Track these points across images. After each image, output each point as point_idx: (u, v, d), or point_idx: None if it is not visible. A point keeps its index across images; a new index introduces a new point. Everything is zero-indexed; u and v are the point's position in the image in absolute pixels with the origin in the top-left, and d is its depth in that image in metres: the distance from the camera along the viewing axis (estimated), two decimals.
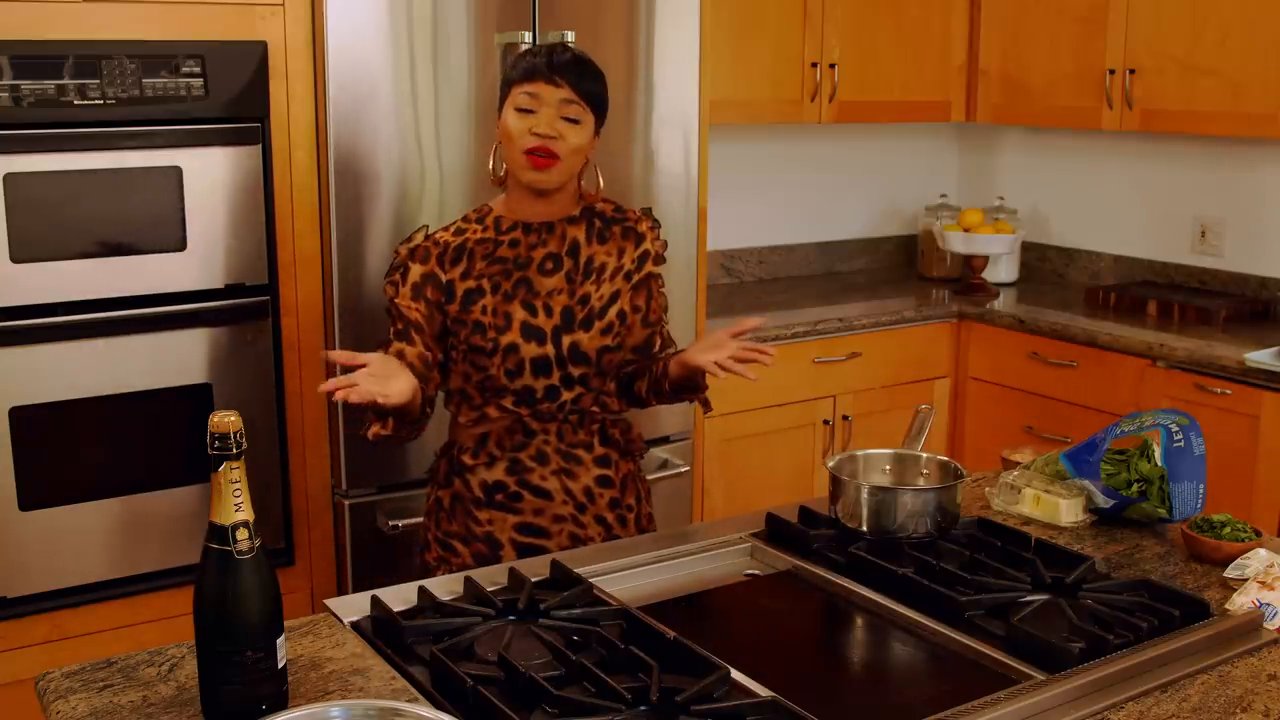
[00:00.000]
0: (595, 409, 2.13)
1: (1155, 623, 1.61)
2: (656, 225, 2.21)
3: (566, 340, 2.06)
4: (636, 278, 2.16)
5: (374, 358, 1.90)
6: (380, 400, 1.83)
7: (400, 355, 2.04)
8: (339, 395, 1.80)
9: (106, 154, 2.53)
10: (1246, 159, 3.84)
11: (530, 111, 2.01)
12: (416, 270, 2.09)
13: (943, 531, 1.88)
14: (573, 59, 2.03)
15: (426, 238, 2.12)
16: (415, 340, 2.06)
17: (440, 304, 2.08)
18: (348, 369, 1.86)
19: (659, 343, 2.20)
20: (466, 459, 2.11)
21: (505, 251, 2.10)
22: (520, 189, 2.09)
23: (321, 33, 2.68)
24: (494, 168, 2.13)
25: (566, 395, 2.09)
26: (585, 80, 2.03)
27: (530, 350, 2.05)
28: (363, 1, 2.70)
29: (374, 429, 2.01)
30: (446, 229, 2.14)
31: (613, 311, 2.11)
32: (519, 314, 2.06)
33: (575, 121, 2.02)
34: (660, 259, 2.20)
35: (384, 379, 1.86)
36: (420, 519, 2.83)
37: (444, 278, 2.08)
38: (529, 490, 2.10)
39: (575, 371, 2.07)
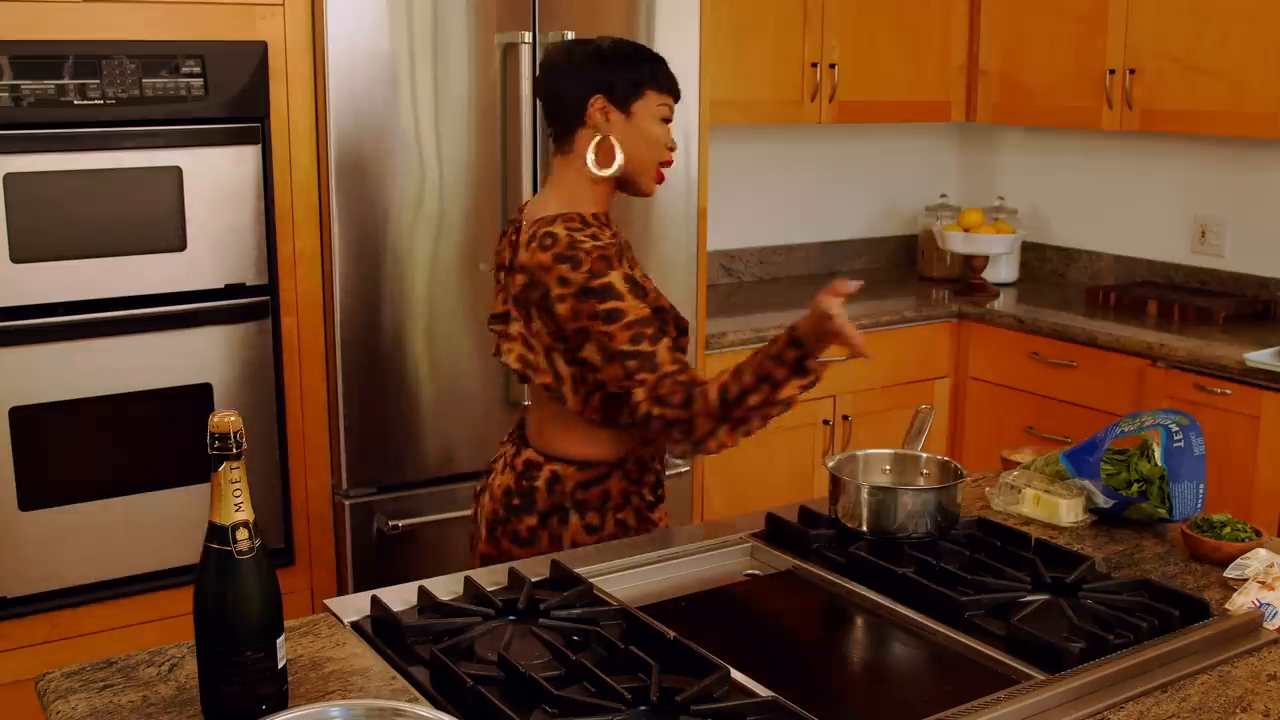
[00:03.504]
0: None
1: (1155, 623, 1.61)
2: None
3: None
4: None
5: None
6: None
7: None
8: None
9: (106, 154, 2.53)
10: (1246, 159, 3.84)
11: (668, 122, 2.02)
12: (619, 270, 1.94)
13: (943, 531, 1.88)
14: None
15: (602, 236, 1.96)
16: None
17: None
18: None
19: None
20: (593, 518, 2.03)
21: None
22: (608, 183, 2.00)
23: (321, 33, 2.68)
24: (597, 162, 1.98)
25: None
26: None
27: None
28: (363, 2, 2.70)
29: (794, 387, 1.95)
30: (595, 235, 1.94)
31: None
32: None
33: None
34: None
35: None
36: (420, 519, 2.87)
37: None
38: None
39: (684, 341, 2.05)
